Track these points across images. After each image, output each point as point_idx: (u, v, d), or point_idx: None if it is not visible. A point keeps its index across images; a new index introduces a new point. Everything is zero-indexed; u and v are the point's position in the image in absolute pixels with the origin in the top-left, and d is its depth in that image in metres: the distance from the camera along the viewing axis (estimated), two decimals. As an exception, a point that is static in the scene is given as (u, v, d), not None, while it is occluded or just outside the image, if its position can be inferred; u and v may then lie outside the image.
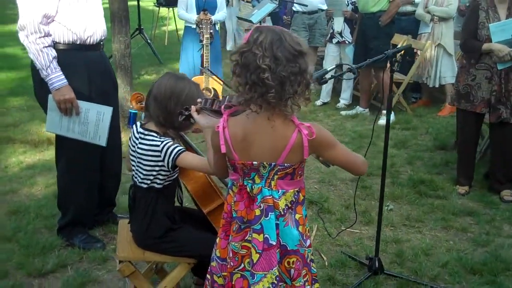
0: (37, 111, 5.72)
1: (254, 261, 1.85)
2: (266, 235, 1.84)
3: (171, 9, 11.18)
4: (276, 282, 1.87)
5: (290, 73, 1.70)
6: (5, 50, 10.02)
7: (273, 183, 1.84)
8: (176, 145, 2.35)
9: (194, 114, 2.18)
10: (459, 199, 4.21)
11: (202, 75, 5.77)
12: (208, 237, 2.37)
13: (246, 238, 1.90)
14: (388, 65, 2.91)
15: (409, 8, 6.81)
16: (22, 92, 7.02)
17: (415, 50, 6.63)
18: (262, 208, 1.84)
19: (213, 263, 2.02)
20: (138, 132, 2.44)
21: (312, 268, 2.01)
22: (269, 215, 1.83)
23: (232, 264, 1.93)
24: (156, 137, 2.36)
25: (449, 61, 6.39)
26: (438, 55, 6.37)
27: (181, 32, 8.48)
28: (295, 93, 1.72)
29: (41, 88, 3.15)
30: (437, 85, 6.48)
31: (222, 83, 4.81)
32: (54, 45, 3.06)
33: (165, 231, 2.43)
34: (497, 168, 4.29)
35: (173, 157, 2.31)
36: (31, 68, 3.18)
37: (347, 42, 6.71)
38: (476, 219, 3.90)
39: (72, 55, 3.13)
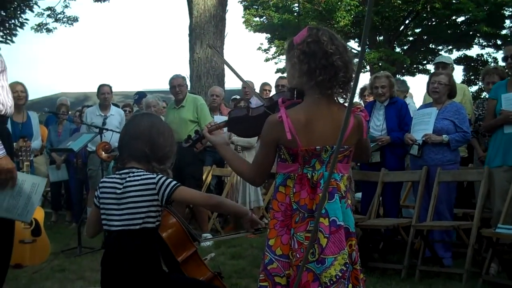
0: None
1: (323, 246, 1.90)
2: (332, 218, 1.93)
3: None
4: (348, 262, 1.93)
5: (350, 57, 1.93)
6: None
7: None
8: (171, 179, 2.34)
9: (207, 135, 2.26)
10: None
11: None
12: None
13: (307, 228, 1.94)
14: None
15: None
16: None
17: (222, 178, 6.99)
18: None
19: (273, 265, 1.98)
20: (121, 174, 2.37)
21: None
22: (335, 197, 1.94)
23: (298, 256, 1.93)
24: (147, 172, 2.35)
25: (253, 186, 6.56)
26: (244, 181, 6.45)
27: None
28: (350, 78, 1.93)
29: None
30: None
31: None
32: None
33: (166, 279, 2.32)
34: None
35: (170, 190, 2.28)
36: None
37: None
38: None
39: None
